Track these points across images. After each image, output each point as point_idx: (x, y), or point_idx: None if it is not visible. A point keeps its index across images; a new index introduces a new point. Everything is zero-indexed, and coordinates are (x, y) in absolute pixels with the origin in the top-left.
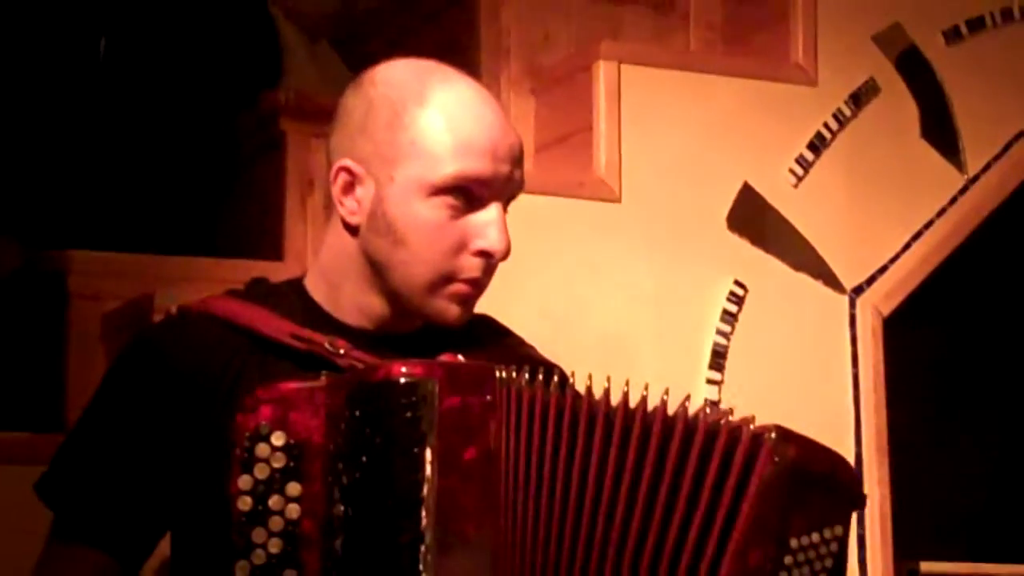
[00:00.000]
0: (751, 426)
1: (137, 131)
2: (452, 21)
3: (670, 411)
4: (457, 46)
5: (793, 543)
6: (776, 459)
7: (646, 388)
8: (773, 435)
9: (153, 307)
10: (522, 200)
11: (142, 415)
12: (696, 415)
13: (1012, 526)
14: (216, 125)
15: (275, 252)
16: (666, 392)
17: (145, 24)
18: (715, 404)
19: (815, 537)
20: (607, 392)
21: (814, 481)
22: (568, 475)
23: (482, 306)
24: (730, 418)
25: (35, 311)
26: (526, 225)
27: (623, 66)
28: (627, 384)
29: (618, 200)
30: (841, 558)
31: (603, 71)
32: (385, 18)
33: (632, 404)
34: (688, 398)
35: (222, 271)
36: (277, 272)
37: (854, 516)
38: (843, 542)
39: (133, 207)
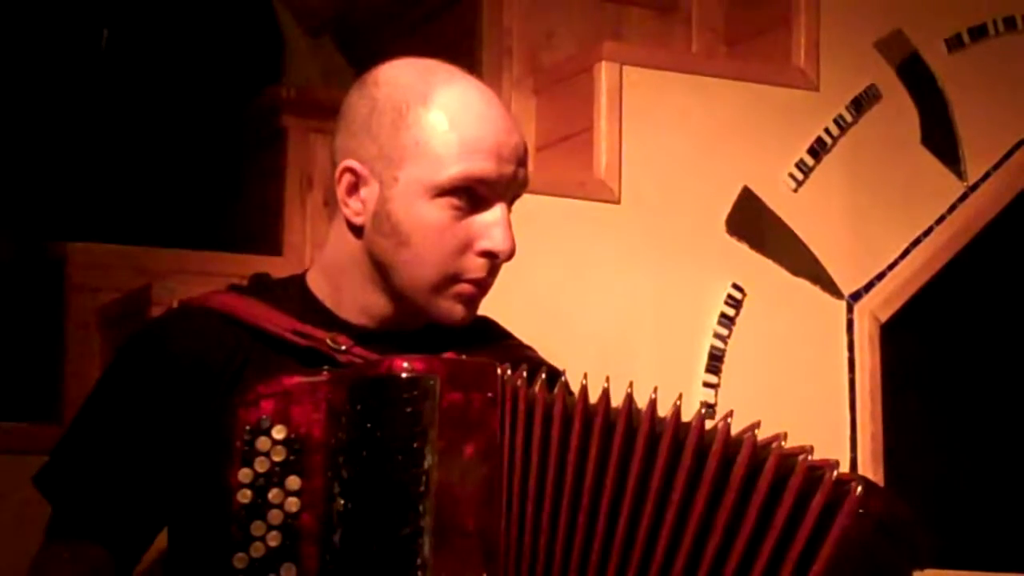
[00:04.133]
0: (835, 472)
1: (137, 124)
2: (455, 19)
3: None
4: (459, 44)
5: None
6: (861, 511)
7: (706, 407)
8: (860, 487)
9: (151, 299)
10: (521, 199)
11: (142, 409)
12: (768, 443)
13: (1007, 534)
14: (217, 119)
15: (274, 247)
16: (723, 410)
17: (147, 17)
18: (711, 407)
19: None
20: (652, 402)
21: (888, 536)
22: (578, 476)
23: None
24: (811, 457)
25: (33, 302)
26: (525, 224)
27: (625, 67)
28: (680, 399)
29: (617, 201)
30: None
31: (605, 72)
32: (388, 15)
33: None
34: (730, 416)
35: (220, 265)
36: (276, 267)
37: None
38: None
39: (133, 200)
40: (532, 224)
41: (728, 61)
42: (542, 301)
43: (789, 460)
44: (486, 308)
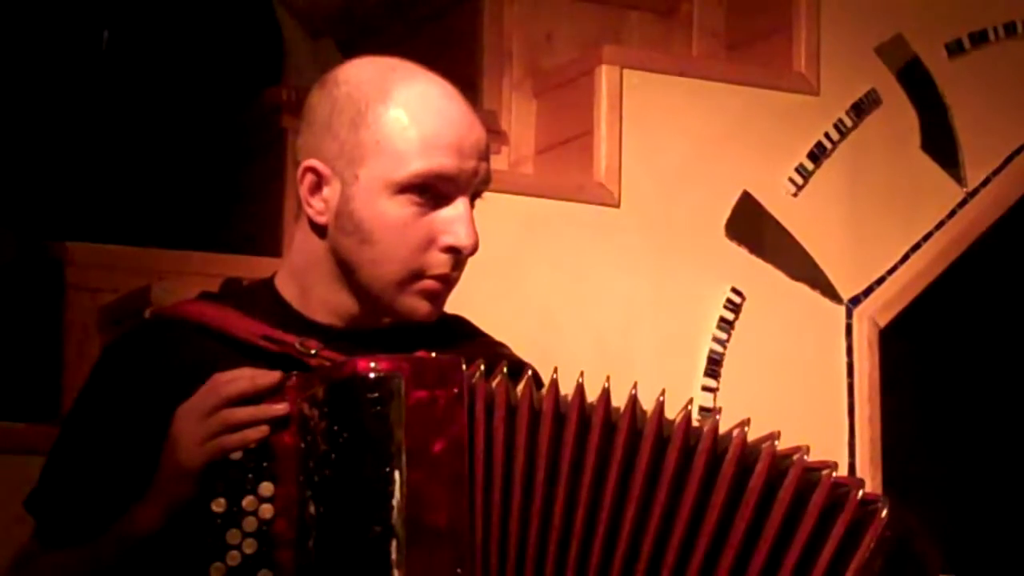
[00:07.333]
0: (860, 491)
1: (138, 125)
2: (455, 22)
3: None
4: (459, 47)
5: None
6: (888, 533)
7: (717, 412)
8: (886, 509)
9: (150, 300)
10: (521, 202)
11: (116, 426)
12: (788, 454)
13: (1005, 540)
14: (218, 121)
15: (274, 248)
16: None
17: (148, 18)
18: (711, 411)
19: None
20: (660, 404)
21: (910, 556)
22: (573, 476)
23: (476, 307)
24: (835, 473)
25: (33, 302)
26: (524, 227)
27: (625, 71)
28: (691, 403)
29: (617, 205)
30: None
31: (605, 75)
32: (388, 17)
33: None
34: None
35: (220, 265)
36: (275, 268)
37: None
38: None
39: (133, 201)
40: (531, 227)
41: (728, 65)
42: (541, 304)
43: (812, 475)
44: (484, 309)
